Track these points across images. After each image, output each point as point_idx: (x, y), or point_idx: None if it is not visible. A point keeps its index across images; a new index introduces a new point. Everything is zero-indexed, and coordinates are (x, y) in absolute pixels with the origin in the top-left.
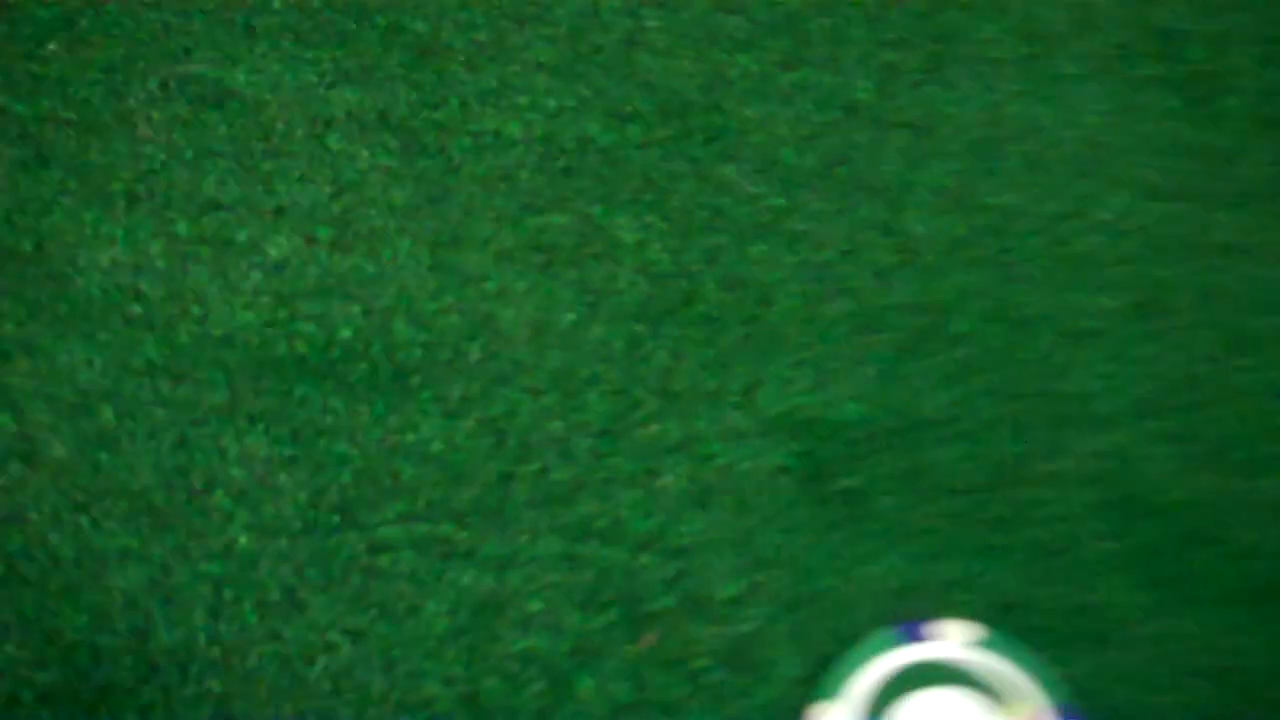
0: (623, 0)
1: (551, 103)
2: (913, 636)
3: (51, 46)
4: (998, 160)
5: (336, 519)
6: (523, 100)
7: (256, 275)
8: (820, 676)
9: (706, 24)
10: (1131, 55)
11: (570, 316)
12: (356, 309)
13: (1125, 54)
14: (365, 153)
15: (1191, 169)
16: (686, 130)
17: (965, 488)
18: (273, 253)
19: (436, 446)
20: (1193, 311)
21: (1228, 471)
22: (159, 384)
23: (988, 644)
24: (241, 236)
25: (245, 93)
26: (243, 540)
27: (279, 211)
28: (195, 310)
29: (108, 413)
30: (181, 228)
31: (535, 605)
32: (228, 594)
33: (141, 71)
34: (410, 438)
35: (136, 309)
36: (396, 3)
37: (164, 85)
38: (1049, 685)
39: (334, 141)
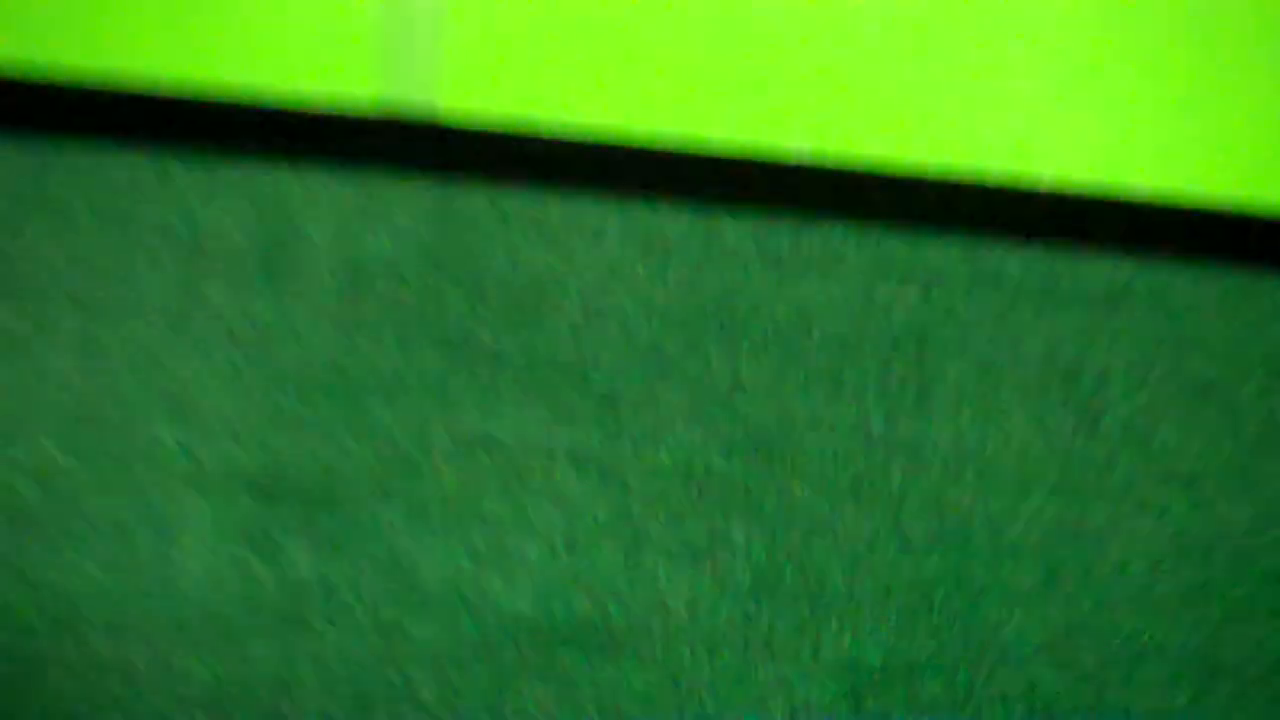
0: (722, 345)
1: (686, 437)
2: None
3: (373, 403)
4: (961, 473)
5: None
6: (670, 437)
7: (531, 576)
8: None
9: (783, 361)
10: (1048, 384)
11: (711, 597)
12: (594, 596)
13: (1043, 384)
14: (577, 484)
15: (1079, 475)
16: (770, 457)
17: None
18: (532, 556)
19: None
20: (1073, 583)
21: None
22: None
23: None
24: (512, 546)
25: (500, 438)
26: None
27: (532, 531)
28: (495, 602)
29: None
30: (478, 541)
31: None
32: None
33: (434, 422)
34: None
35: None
36: (580, 348)
37: (450, 435)
38: None
39: (560, 475)
